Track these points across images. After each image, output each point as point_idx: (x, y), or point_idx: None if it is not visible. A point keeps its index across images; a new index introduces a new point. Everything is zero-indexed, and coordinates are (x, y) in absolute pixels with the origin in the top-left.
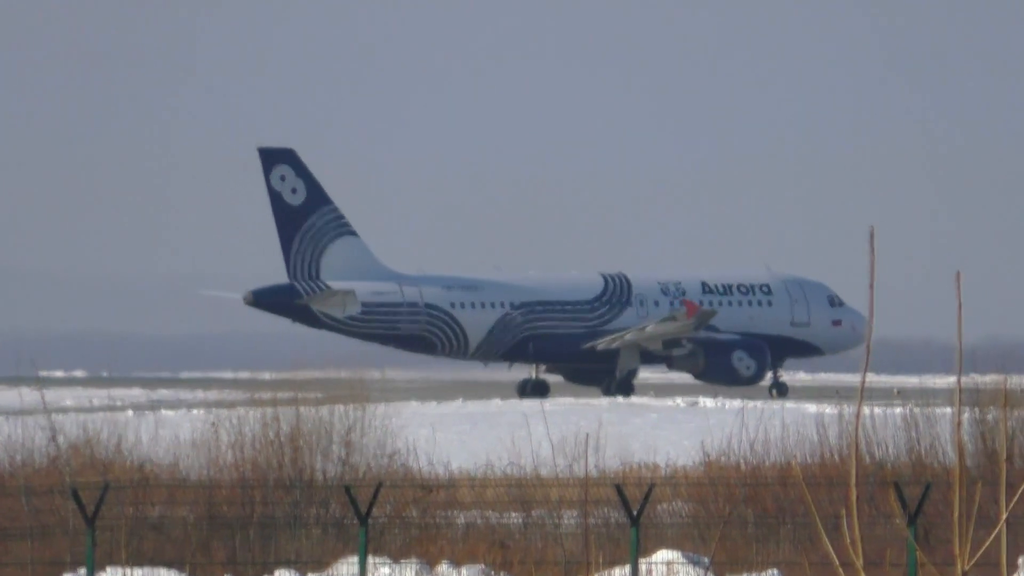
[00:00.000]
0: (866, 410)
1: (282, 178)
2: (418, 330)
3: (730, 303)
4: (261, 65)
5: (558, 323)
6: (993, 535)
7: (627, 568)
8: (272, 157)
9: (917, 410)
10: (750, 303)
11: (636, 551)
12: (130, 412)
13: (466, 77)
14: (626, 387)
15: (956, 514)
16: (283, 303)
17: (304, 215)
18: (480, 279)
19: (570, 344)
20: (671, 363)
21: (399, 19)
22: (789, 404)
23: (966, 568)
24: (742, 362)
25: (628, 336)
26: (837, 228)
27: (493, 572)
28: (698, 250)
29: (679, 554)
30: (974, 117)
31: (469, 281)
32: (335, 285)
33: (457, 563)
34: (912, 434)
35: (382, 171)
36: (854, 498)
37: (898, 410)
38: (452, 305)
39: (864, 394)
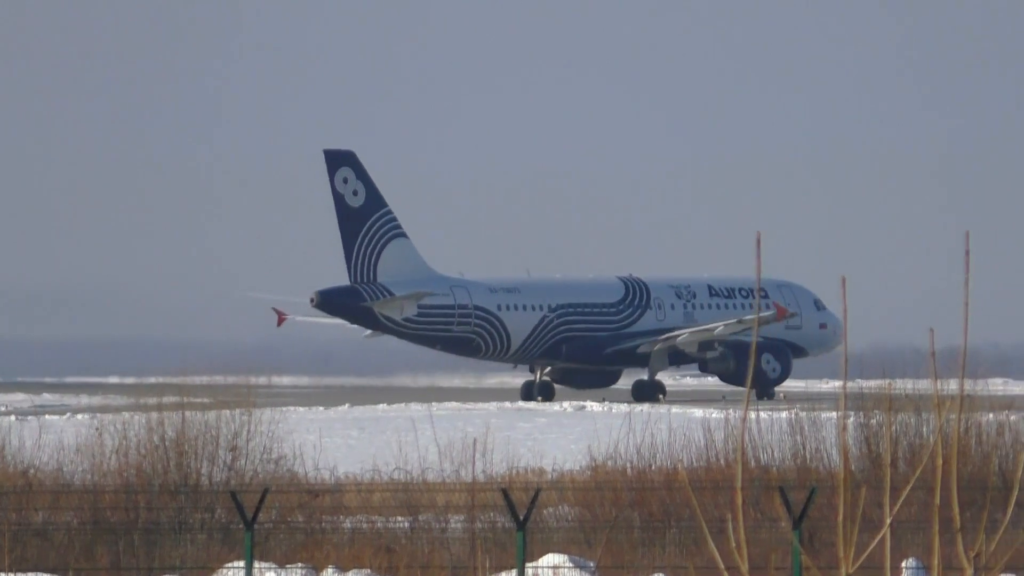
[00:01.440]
0: (752, 414)
1: (344, 180)
2: (468, 332)
3: (734, 306)
4: (309, 66)
5: (589, 326)
6: (877, 539)
7: (513, 573)
8: (336, 159)
9: (803, 414)
10: (751, 307)
11: (523, 555)
12: (13, 417)
13: (479, 78)
14: (659, 389)
15: (840, 518)
16: (347, 305)
17: (364, 217)
18: (519, 281)
19: (598, 346)
20: (704, 365)
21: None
22: (675, 409)
23: (850, 571)
24: (769, 364)
25: (684, 337)
26: (798, 232)
27: None
28: (679, 253)
29: (565, 558)
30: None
31: (510, 283)
32: (394, 288)
33: (343, 568)
34: (797, 438)
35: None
36: (739, 502)
37: (783, 414)
38: (498, 307)
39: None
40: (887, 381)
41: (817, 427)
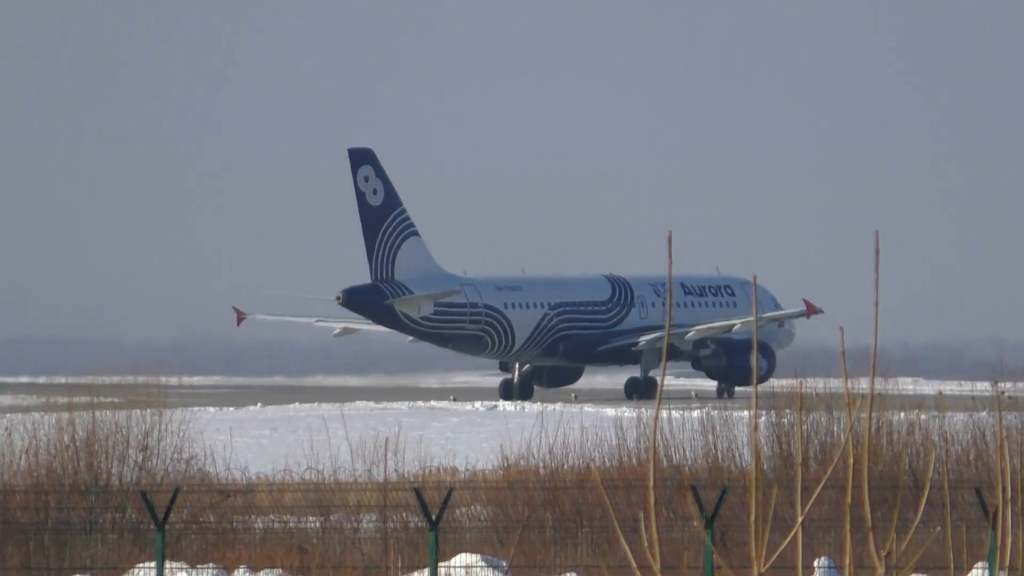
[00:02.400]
0: (664, 413)
1: (366, 179)
2: (478, 330)
3: (705, 304)
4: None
5: (584, 324)
6: (789, 538)
7: (426, 572)
8: (358, 158)
9: (714, 413)
10: (722, 304)
11: (435, 555)
12: None
13: (470, 78)
14: (653, 386)
15: (752, 517)
16: (371, 303)
17: (383, 216)
18: (520, 279)
19: (592, 344)
20: (697, 363)
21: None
22: (588, 408)
23: (762, 570)
24: (758, 362)
25: (694, 333)
26: (753, 230)
27: None
28: (639, 250)
29: (478, 557)
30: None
31: (513, 281)
32: (412, 286)
33: (255, 568)
34: (709, 437)
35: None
36: (652, 501)
37: (695, 413)
38: (505, 306)
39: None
40: (798, 380)
41: (729, 426)
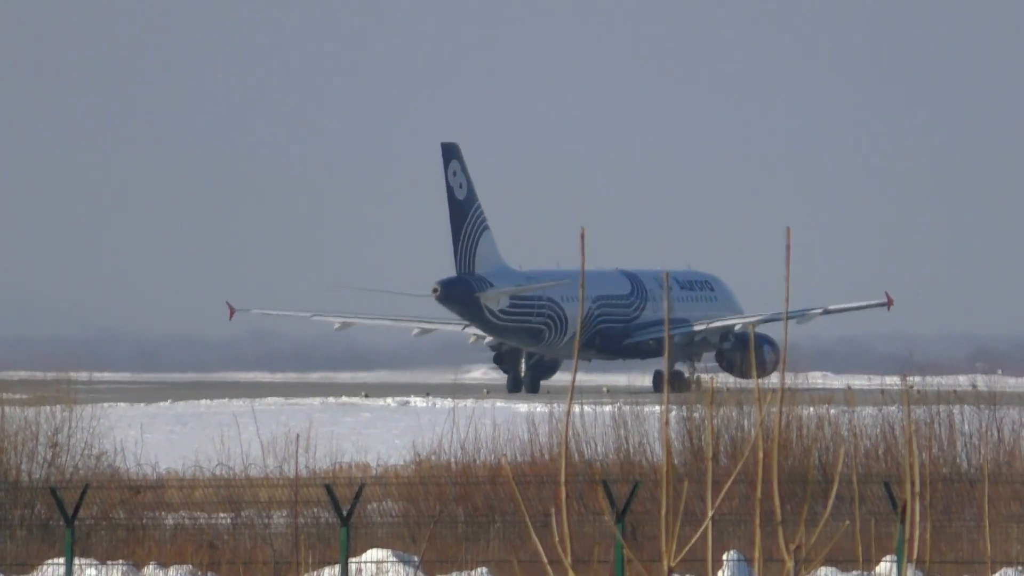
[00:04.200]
0: (576, 408)
1: (454, 173)
2: (541, 323)
3: (696, 299)
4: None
5: (616, 317)
6: (699, 532)
7: (337, 568)
8: (448, 152)
9: (626, 408)
10: (707, 299)
11: (346, 551)
12: None
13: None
14: (680, 379)
15: (663, 511)
16: (462, 296)
17: (466, 210)
18: (565, 272)
19: (621, 337)
20: (720, 355)
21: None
22: (500, 403)
23: (672, 564)
24: (768, 355)
25: (741, 325)
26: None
27: (201, 573)
28: (620, 246)
29: (389, 553)
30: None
31: (562, 274)
32: (493, 279)
33: (165, 564)
34: (621, 432)
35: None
36: (563, 496)
37: (607, 408)
38: (561, 299)
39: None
40: (710, 375)
41: (640, 421)
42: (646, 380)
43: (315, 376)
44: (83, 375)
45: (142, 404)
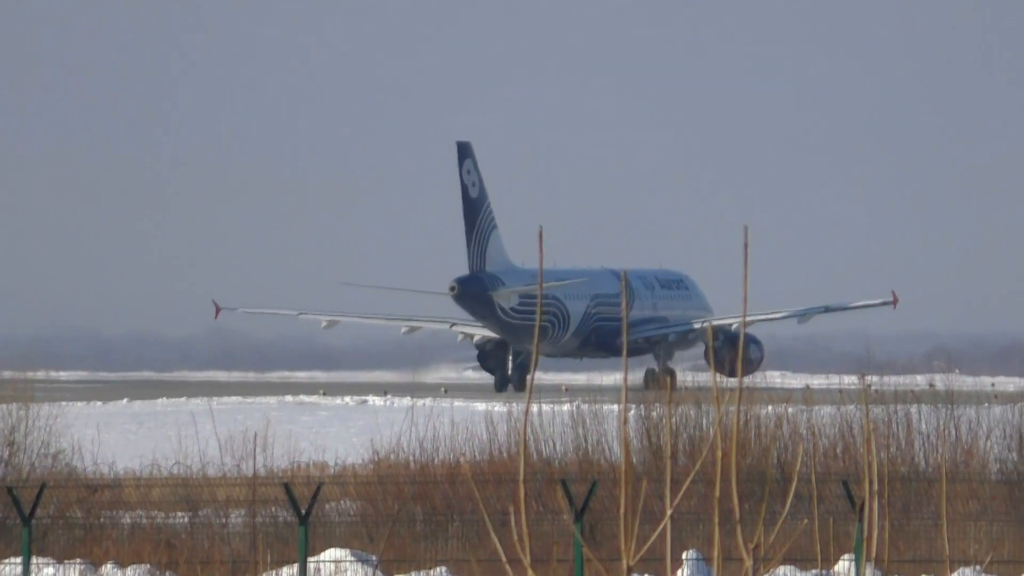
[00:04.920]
0: (534, 407)
1: (468, 172)
2: (545, 321)
3: (673, 297)
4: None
5: (609, 315)
6: (658, 531)
7: (295, 567)
8: (463, 150)
9: (584, 407)
10: (684, 297)
11: (304, 550)
12: None
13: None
14: (673, 376)
15: (622, 510)
16: (478, 294)
17: (478, 208)
18: (567, 271)
19: (614, 336)
20: (708, 353)
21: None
22: (458, 403)
23: (631, 563)
24: (755, 353)
25: (736, 325)
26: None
27: (159, 572)
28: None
29: (347, 552)
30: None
31: (563, 272)
32: (504, 277)
33: (122, 564)
34: (579, 431)
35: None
36: (522, 495)
37: (566, 407)
38: (565, 296)
39: (534, 392)
40: (666, 376)
41: (599, 420)
42: (635, 378)
43: (272, 375)
44: (40, 373)
45: (99, 403)
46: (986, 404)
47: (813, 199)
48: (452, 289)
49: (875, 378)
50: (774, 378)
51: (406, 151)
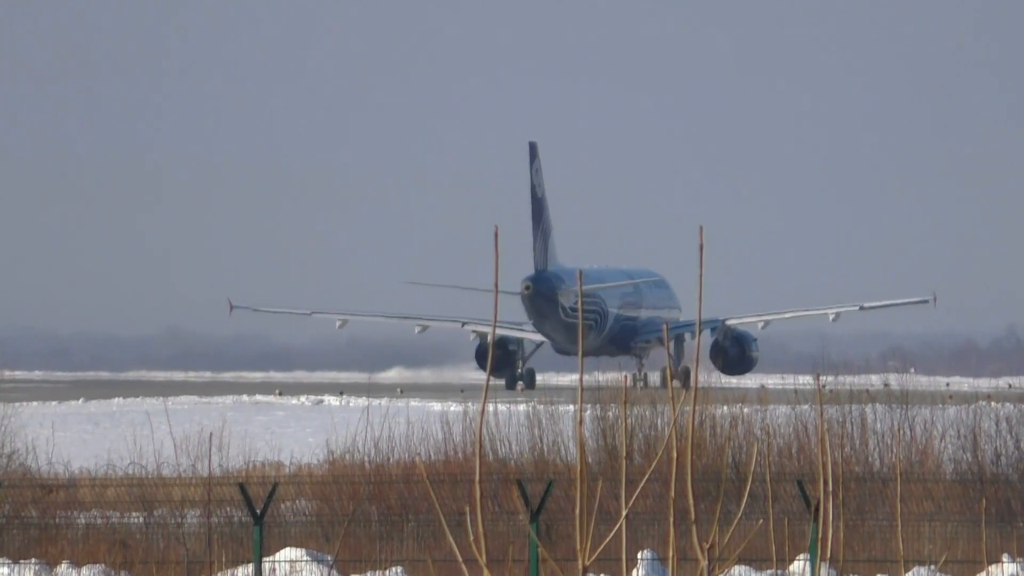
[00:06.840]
0: (490, 407)
1: (537, 171)
2: (591, 318)
3: (660, 297)
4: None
5: (630, 316)
6: (614, 531)
7: (250, 567)
8: (533, 151)
9: (540, 407)
10: (668, 297)
11: (259, 550)
12: None
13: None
14: (687, 375)
15: (578, 510)
16: (548, 293)
17: (542, 208)
18: (596, 270)
19: (632, 335)
20: (715, 352)
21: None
22: (414, 403)
23: (587, 563)
24: (755, 352)
25: (737, 324)
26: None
27: (114, 572)
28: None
29: (303, 552)
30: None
31: (595, 273)
32: (565, 276)
33: (78, 563)
34: (535, 431)
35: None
36: (478, 495)
37: (521, 407)
38: (606, 297)
39: (488, 391)
40: (624, 374)
41: (555, 420)
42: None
43: (228, 375)
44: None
45: (54, 402)
46: (941, 404)
47: (770, 200)
48: (526, 288)
49: (830, 378)
50: (730, 378)
51: (407, 151)
